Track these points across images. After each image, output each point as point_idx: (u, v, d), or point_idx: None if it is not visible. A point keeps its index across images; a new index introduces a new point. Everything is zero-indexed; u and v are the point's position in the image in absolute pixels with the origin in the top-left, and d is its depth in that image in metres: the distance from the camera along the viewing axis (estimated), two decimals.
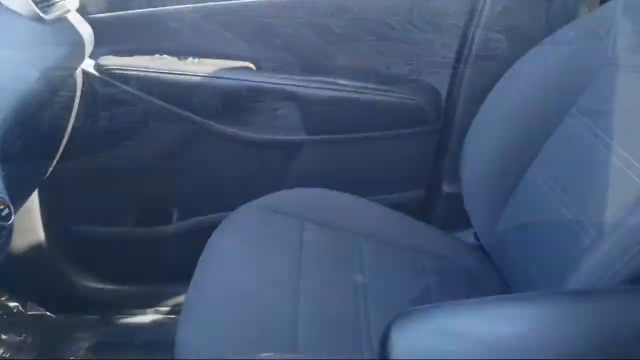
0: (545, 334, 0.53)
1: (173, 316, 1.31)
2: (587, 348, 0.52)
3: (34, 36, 0.92)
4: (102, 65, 1.13)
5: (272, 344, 0.77)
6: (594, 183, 0.81)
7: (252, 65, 1.20)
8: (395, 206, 1.13)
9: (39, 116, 0.90)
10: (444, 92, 1.22)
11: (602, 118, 0.83)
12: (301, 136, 1.23)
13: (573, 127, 0.88)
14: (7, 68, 0.79)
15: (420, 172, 1.28)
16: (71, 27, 1.03)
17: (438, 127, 1.22)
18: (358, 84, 1.18)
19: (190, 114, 1.18)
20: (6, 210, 0.61)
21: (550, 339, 0.52)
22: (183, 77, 1.15)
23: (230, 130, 1.21)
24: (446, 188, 1.23)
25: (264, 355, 0.70)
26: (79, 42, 1.03)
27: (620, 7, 0.87)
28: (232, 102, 1.19)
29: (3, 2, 0.89)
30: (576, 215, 0.80)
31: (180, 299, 1.31)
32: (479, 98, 1.04)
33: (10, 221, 0.62)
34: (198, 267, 0.92)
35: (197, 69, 1.17)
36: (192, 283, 0.89)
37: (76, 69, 1.06)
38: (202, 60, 1.18)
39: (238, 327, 0.81)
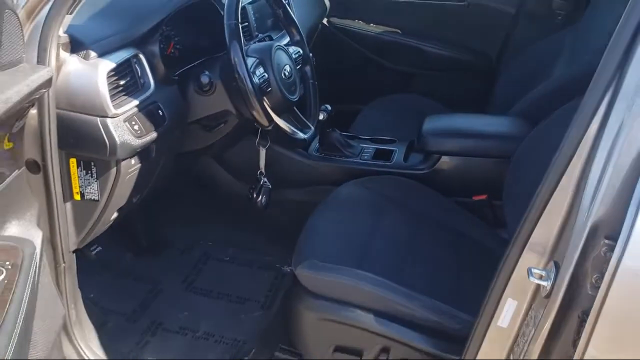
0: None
1: None
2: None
3: (310, 4, 2.20)
4: (331, 22, 2.41)
5: None
6: None
7: (398, 30, 2.38)
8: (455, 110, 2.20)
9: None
10: (494, 56, 2.29)
11: None
12: (414, 69, 2.38)
13: None
14: (306, 17, 2.08)
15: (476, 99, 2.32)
16: (323, 1, 2.31)
17: (485, 75, 2.26)
18: (448, 47, 2.30)
19: (366, 51, 2.39)
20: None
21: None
22: (366, 32, 2.38)
23: (383, 61, 2.40)
24: (486, 109, 2.27)
25: None
26: (325, 9, 2.31)
27: None
28: (385, 47, 2.38)
29: None
30: None
31: None
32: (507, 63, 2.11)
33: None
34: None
35: (373, 29, 2.38)
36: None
37: (321, 22, 2.35)
38: (377, 25, 2.39)
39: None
